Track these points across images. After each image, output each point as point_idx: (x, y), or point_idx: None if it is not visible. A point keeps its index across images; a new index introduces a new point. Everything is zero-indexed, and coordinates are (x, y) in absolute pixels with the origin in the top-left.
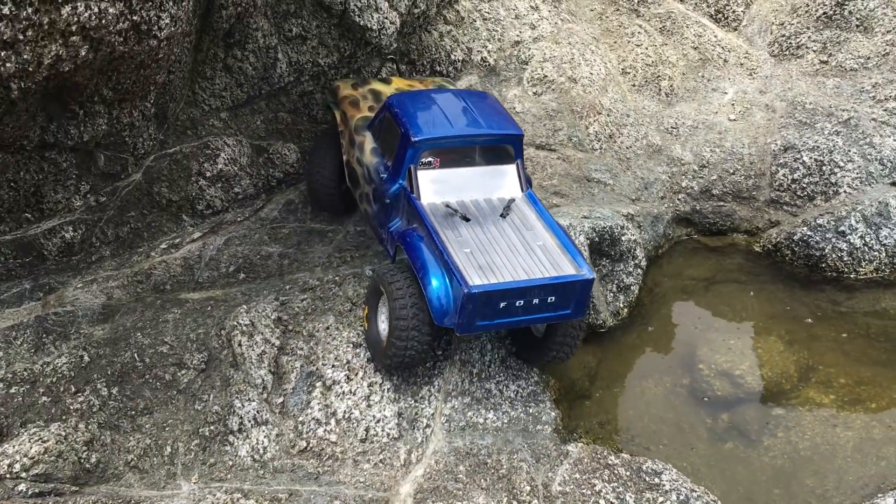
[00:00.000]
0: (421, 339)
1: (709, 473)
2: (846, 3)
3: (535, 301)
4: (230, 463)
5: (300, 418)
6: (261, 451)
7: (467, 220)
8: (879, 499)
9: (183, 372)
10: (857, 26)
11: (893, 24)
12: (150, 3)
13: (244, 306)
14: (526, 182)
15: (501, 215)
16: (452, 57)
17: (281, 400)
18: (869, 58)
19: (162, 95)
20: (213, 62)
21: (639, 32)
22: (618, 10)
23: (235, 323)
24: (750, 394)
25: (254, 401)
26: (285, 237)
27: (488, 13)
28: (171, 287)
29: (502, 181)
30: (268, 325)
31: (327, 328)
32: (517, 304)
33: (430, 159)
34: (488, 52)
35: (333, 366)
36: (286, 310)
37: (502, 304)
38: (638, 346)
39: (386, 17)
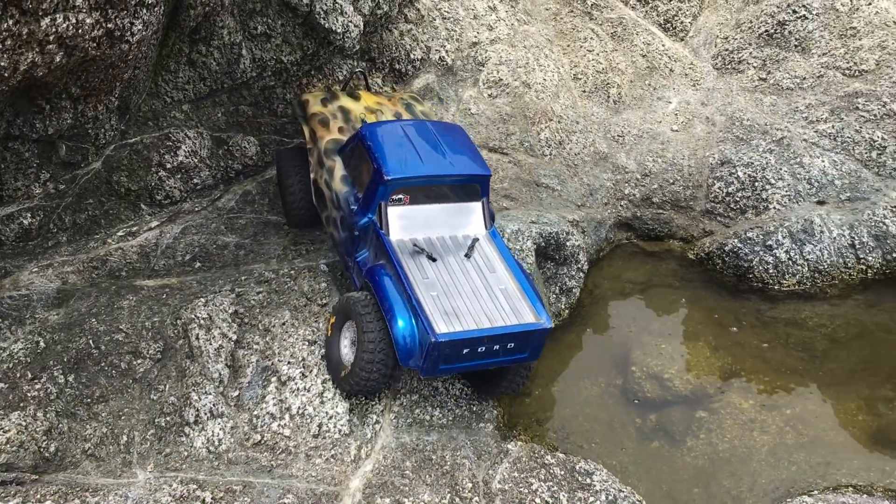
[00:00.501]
0: (383, 373)
1: (636, 471)
2: (787, 23)
3: (496, 347)
4: (185, 453)
5: (255, 412)
6: (216, 443)
7: (433, 259)
8: (788, 502)
9: (139, 361)
10: (796, 46)
11: (829, 48)
12: (125, 12)
13: (202, 299)
14: (490, 219)
15: (466, 255)
16: (412, 56)
17: (237, 393)
18: (805, 78)
19: (126, 89)
20: (177, 56)
21: (591, 38)
22: (572, 11)
23: (193, 316)
24: (677, 396)
25: (210, 394)
26: (242, 228)
27: (448, 13)
28: (126, 274)
29: (468, 219)
30: (225, 320)
31: (283, 324)
32: (479, 349)
33: (400, 196)
34: (446, 51)
35: (289, 362)
36: (242, 302)
37: (465, 351)
38: (576, 346)
39: (350, 21)
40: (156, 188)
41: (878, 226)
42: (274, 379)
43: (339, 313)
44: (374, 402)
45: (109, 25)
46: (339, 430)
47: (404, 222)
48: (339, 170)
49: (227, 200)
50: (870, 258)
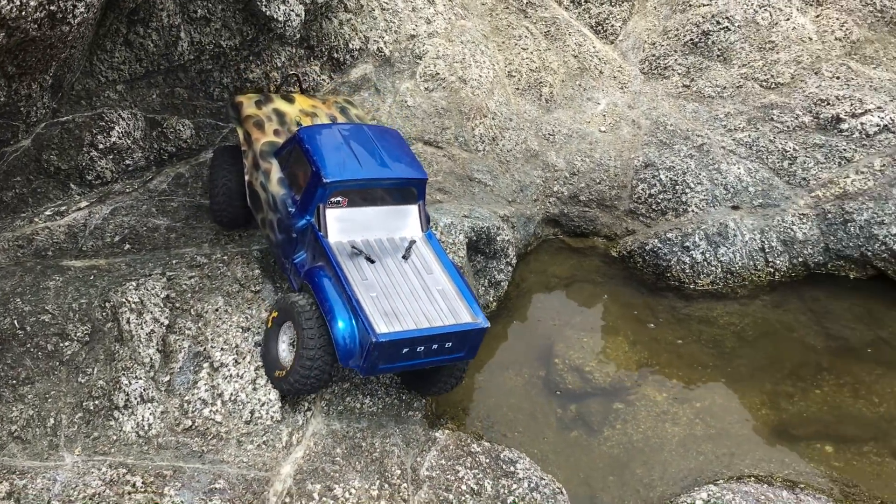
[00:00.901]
0: (322, 375)
1: (556, 460)
2: (711, 33)
3: (435, 346)
4: (114, 437)
5: (186, 397)
6: (146, 428)
7: (372, 261)
8: (695, 491)
9: (66, 343)
10: (718, 56)
11: (749, 59)
12: None
13: (133, 282)
14: (426, 221)
15: (403, 257)
16: (350, 46)
17: (167, 378)
18: (725, 87)
19: (61, 68)
20: (114, 36)
21: (525, 36)
22: (507, 8)
23: (124, 300)
24: (596, 388)
25: (141, 378)
26: (174, 210)
27: (387, 4)
28: (52, 253)
29: (405, 221)
30: (157, 304)
31: (216, 310)
32: (418, 349)
33: (338, 199)
34: (384, 42)
35: (222, 349)
36: (174, 287)
37: (405, 350)
38: (503, 337)
39: (292, 10)
40: (86, 168)
41: (787, 231)
42: (206, 365)
43: (281, 311)
44: None
45: (52, 7)
46: (271, 417)
47: (342, 224)
48: (275, 172)
49: (160, 182)
50: (778, 261)
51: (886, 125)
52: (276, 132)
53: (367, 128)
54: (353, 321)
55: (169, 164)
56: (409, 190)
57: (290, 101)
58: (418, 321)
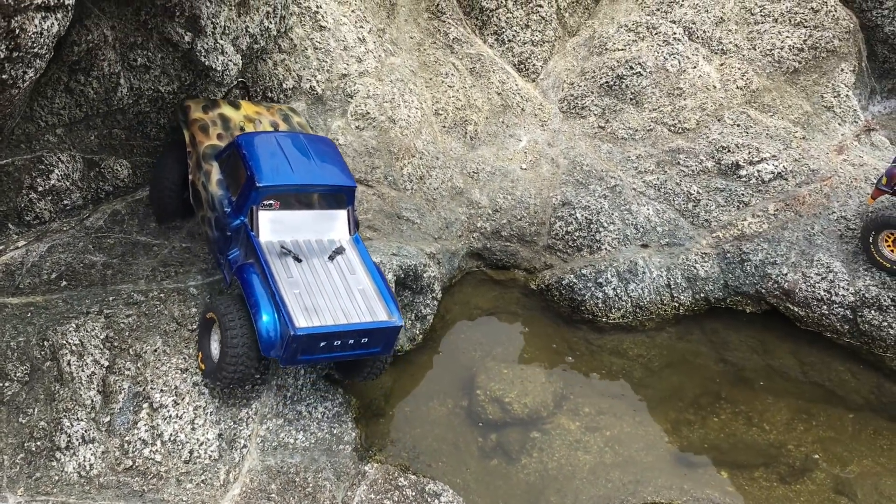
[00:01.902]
0: (248, 365)
1: (477, 488)
2: (625, 77)
3: (351, 341)
4: (56, 478)
5: (126, 437)
6: (87, 468)
7: (299, 260)
8: None
9: (6, 383)
10: (631, 100)
11: (659, 104)
12: (21, 63)
13: (72, 323)
14: (354, 225)
15: (330, 257)
16: (284, 85)
17: (108, 419)
18: (637, 130)
19: (3, 118)
20: (55, 84)
21: (452, 73)
22: (435, 42)
23: (65, 342)
24: (515, 418)
25: (82, 420)
26: (110, 247)
27: (319, 43)
28: None
29: (333, 224)
30: (97, 346)
31: (155, 350)
32: (335, 343)
33: (271, 202)
34: (317, 81)
35: (162, 390)
36: (112, 326)
37: (322, 344)
38: (428, 368)
39: (230, 60)
40: (25, 209)
41: (690, 269)
42: (146, 405)
43: (203, 331)
44: (242, 427)
45: (4, 76)
46: (210, 456)
47: (274, 225)
48: (215, 174)
49: (96, 219)
50: (682, 297)
51: (780, 172)
52: (219, 136)
53: (304, 136)
54: (276, 316)
55: (105, 202)
56: (338, 196)
57: (237, 107)
58: (336, 317)
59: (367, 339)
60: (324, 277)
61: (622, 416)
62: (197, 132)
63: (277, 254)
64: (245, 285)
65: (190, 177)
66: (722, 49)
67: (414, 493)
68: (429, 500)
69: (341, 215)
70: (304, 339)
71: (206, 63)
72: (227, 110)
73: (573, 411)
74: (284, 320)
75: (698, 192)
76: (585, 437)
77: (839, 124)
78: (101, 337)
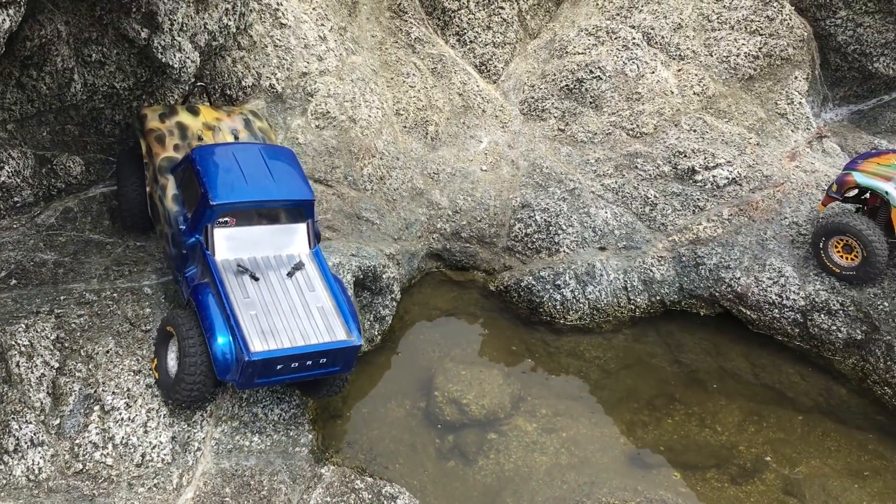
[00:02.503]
0: (205, 385)
1: (434, 490)
2: (584, 81)
3: (309, 362)
4: (4, 481)
5: (77, 440)
6: (36, 472)
7: (256, 278)
8: None
9: None
10: (591, 103)
11: (618, 108)
12: None
13: (22, 324)
14: (315, 238)
15: (288, 274)
16: (243, 83)
17: (58, 422)
18: (596, 134)
19: None
20: (6, 79)
21: (413, 73)
22: (396, 42)
23: (14, 342)
24: (472, 420)
25: (31, 423)
26: (62, 245)
27: (280, 41)
28: None
29: (292, 238)
30: (47, 347)
31: (107, 352)
32: (293, 365)
33: (226, 219)
34: (277, 79)
35: (114, 393)
36: (63, 326)
37: (280, 367)
38: (386, 369)
39: (188, 57)
40: None
41: (647, 272)
42: (97, 408)
43: (161, 343)
44: (196, 430)
45: None
46: (163, 459)
47: (230, 243)
48: (171, 188)
49: (47, 217)
50: (638, 299)
51: (734, 178)
52: (175, 147)
53: (261, 148)
54: (232, 338)
55: (57, 199)
56: (297, 209)
57: (195, 113)
58: (294, 339)
59: (325, 360)
60: (281, 296)
61: (578, 418)
62: (153, 143)
63: (234, 272)
64: (200, 307)
65: (147, 189)
66: (680, 55)
67: (371, 496)
68: (385, 502)
69: (300, 229)
70: (259, 364)
71: (164, 60)
72: (185, 118)
73: (530, 413)
74: (239, 345)
75: (655, 197)
76: (542, 439)
77: (792, 131)
78: (52, 337)
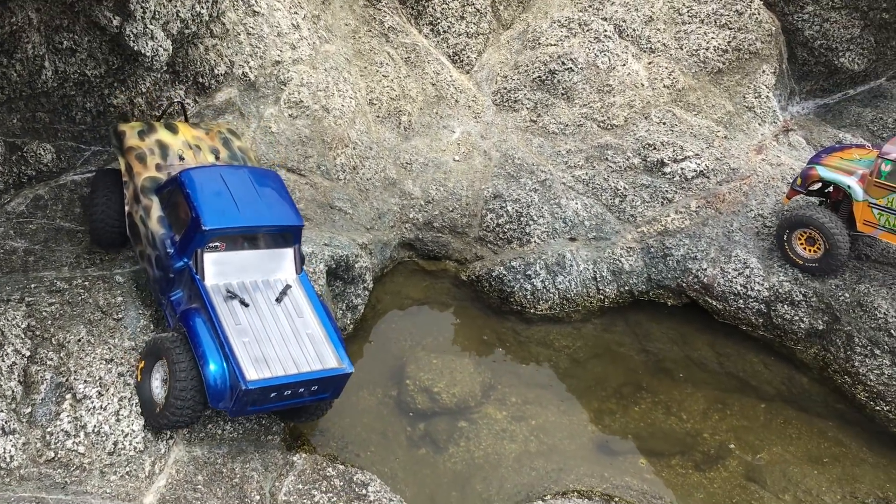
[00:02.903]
0: (194, 411)
1: (404, 477)
2: (557, 72)
3: (301, 390)
4: None
5: (49, 429)
6: (7, 460)
7: (246, 304)
8: None
9: None
10: (562, 95)
11: (589, 100)
12: None
13: None
14: (300, 263)
15: (277, 300)
16: (216, 71)
17: (29, 410)
18: (567, 125)
19: None
20: None
21: (387, 62)
22: (370, 31)
23: None
24: (443, 408)
25: (2, 411)
26: (32, 233)
27: (253, 28)
28: None
29: (280, 263)
30: (18, 335)
31: (79, 340)
32: (286, 393)
33: (216, 244)
34: (249, 67)
35: (86, 381)
36: (34, 314)
37: (273, 395)
38: (358, 357)
39: (160, 45)
40: None
41: (616, 262)
42: (69, 396)
43: (150, 356)
44: None
45: None
46: (135, 448)
47: (219, 268)
48: (155, 210)
49: (17, 205)
50: (607, 289)
51: (702, 171)
52: (157, 167)
53: (249, 171)
54: (225, 365)
55: (28, 186)
56: (286, 235)
57: (174, 131)
58: (287, 367)
59: (317, 387)
60: (272, 323)
61: (547, 406)
62: (133, 161)
63: (224, 298)
64: (191, 333)
65: (126, 208)
66: (650, 48)
67: (342, 483)
68: (357, 489)
69: (288, 254)
70: (255, 392)
71: (136, 48)
72: (164, 136)
73: (500, 401)
74: (235, 373)
75: (625, 188)
76: (511, 427)
77: (759, 124)
78: (23, 326)
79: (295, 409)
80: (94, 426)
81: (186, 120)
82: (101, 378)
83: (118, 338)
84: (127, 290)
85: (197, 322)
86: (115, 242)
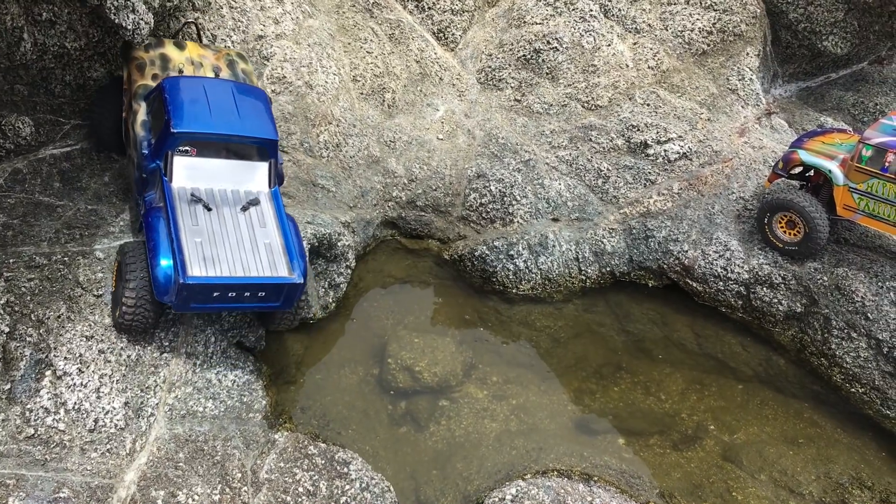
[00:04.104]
0: (147, 312)
1: (385, 455)
2: (541, 51)
3: (247, 294)
4: None
5: (28, 405)
6: None
7: (209, 209)
8: (506, 486)
9: None
10: (547, 74)
11: (574, 80)
12: None
13: None
14: (277, 179)
15: (242, 209)
16: (191, 39)
17: (8, 386)
18: (552, 105)
19: None
20: None
21: (371, 38)
22: (354, 6)
23: None
24: (424, 387)
25: None
26: (10, 207)
27: (235, 2)
28: None
29: (253, 175)
30: None
31: (59, 317)
32: (230, 294)
33: (187, 148)
34: (232, 42)
35: (66, 358)
36: (13, 290)
37: (216, 294)
38: (340, 336)
39: (142, 19)
40: None
41: (598, 243)
42: (49, 373)
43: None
44: (149, 396)
45: None
46: (115, 425)
47: (189, 172)
48: (141, 115)
49: None
50: (589, 270)
51: (685, 153)
52: (154, 77)
53: (234, 85)
54: (174, 262)
55: (6, 160)
56: (259, 148)
57: (181, 47)
58: (234, 269)
59: (263, 293)
60: (231, 228)
61: (528, 385)
62: (133, 70)
63: (188, 201)
64: (148, 229)
65: (123, 114)
66: (636, 28)
67: (324, 462)
68: (338, 468)
69: (262, 167)
70: (195, 288)
71: (116, 21)
72: (169, 50)
73: (481, 380)
74: (178, 267)
75: (608, 169)
76: (492, 406)
77: (742, 107)
78: (1, 301)
79: (268, 314)
80: (75, 403)
81: (200, 41)
82: (81, 355)
83: (98, 314)
84: (108, 266)
85: (155, 219)
86: (113, 146)
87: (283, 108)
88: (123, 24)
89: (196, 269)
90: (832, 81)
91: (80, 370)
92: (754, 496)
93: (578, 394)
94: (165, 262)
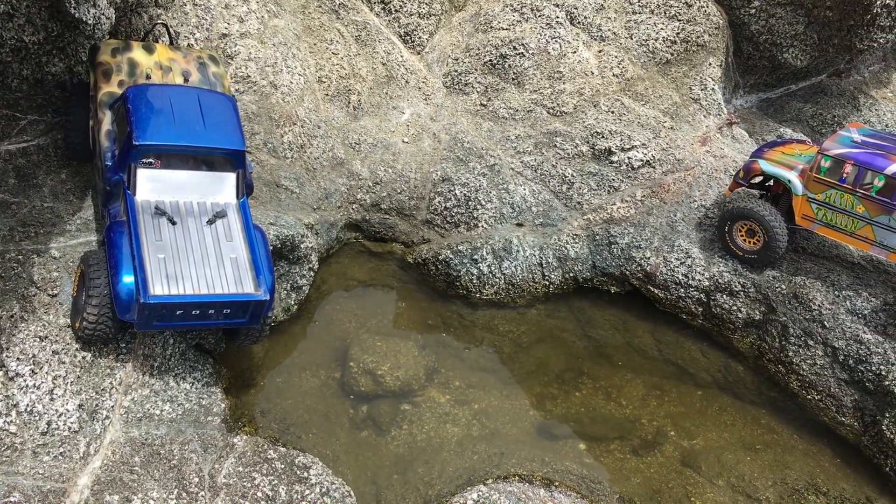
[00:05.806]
0: (108, 326)
1: (346, 459)
2: (508, 57)
3: (212, 311)
4: None
5: None
6: None
7: (174, 223)
8: (467, 491)
9: None
10: (513, 80)
11: (539, 86)
12: None
13: None
14: (245, 190)
15: (208, 222)
16: (160, 41)
17: None
18: (517, 110)
19: None
20: None
21: (337, 40)
22: (320, 6)
23: None
24: (387, 391)
25: None
26: None
27: None
28: None
29: (220, 187)
30: None
31: (11, 316)
32: (194, 312)
33: (150, 160)
34: (195, 39)
35: (18, 359)
36: None
37: (179, 312)
38: (302, 339)
39: (103, 14)
40: None
41: (562, 249)
42: (0, 374)
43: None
44: (105, 398)
45: None
46: (69, 427)
47: (153, 185)
48: (106, 124)
49: None
50: (552, 276)
51: (648, 161)
52: (120, 84)
53: (200, 94)
54: (135, 278)
55: None
56: (226, 158)
57: (151, 51)
58: (198, 287)
59: (229, 311)
60: (196, 242)
61: (490, 390)
62: (100, 76)
63: (151, 214)
64: (110, 245)
65: (91, 122)
66: (601, 36)
67: (283, 466)
68: (298, 472)
69: (229, 178)
70: (157, 308)
71: (76, 15)
72: (138, 55)
73: (444, 384)
74: (139, 286)
75: (573, 175)
76: (454, 410)
77: (704, 116)
78: None
79: (233, 330)
80: (27, 405)
81: (172, 42)
82: (34, 356)
83: (53, 314)
84: (63, 266)
85: (117, 235)
86: (83, 156)
87: (246, 108)
88: (84, 19)
89: (158, 288)
90: (792, 93)
91: (32, 371)
92: (712, 501)
93: (540, 399)
94: (128, 279)
